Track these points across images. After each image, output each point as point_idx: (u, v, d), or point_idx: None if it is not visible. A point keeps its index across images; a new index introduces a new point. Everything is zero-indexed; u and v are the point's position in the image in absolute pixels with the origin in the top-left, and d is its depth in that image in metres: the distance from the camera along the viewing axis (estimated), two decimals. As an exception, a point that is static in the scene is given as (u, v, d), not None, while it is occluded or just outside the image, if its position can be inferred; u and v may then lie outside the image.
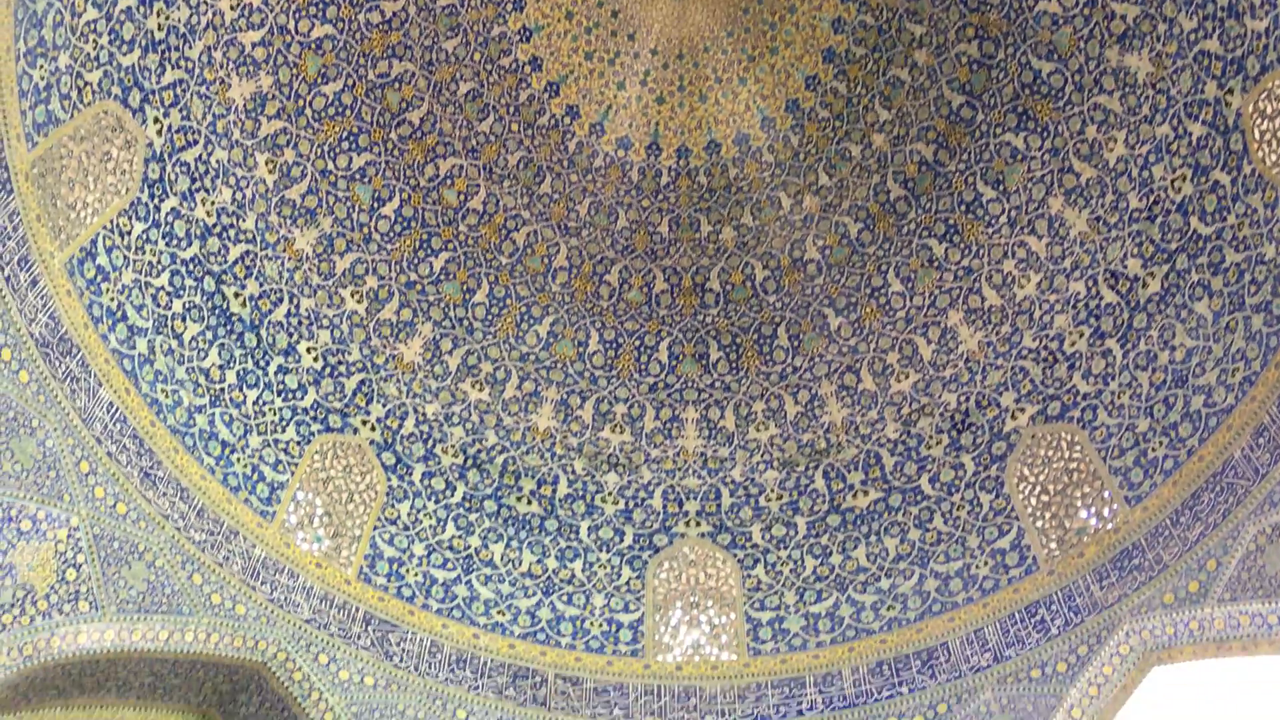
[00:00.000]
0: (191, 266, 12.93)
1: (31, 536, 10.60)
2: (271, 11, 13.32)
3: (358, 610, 13.19)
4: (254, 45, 13.26)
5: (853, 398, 15.06)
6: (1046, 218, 13.78)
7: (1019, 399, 13.82)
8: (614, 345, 15.81)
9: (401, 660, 13.08)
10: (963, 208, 14.57)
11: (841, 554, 14.39)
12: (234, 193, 13.37)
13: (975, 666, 12.61)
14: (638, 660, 14.08)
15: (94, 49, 11.29)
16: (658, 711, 13.49)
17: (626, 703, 13.58)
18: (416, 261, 15.07)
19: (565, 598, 14.54)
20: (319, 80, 14.01)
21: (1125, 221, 12.94)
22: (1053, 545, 12.86)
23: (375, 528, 14.02)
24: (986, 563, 13.30)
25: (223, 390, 13.08)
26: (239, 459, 13.01)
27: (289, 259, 13.98)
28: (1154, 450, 12.09)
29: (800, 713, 13.20)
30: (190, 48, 12.57)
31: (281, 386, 13.74)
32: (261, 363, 13.58)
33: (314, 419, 14.02)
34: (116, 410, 11.53)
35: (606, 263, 16.00)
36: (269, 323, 13.72)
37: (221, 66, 13.00)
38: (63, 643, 10.73)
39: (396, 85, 14.68)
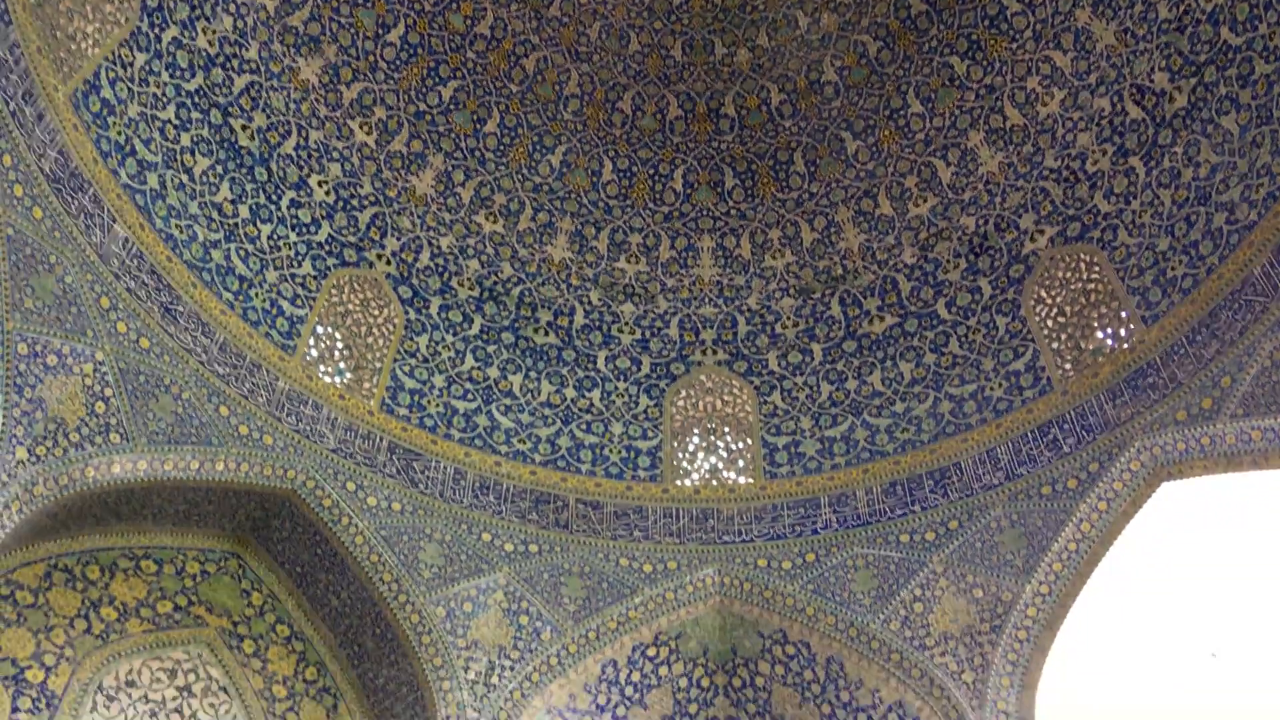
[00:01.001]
0: (197, 99, 12.72)
1: (58, 371, 10.78)
2: None
3: (382, 440, 13.47)
4: None
5: (870, 223, 14.92)
6: (1073, 30, 13.32)
7: (1039, 220, 13.66)
8: (628, 174, 15.62)
9: (426, 487, 13.43)
10: (986, 22, 14.08)
11: (857, 379, 14.51)
12: (235, 20, 13.03)
13: (987, 485, 12.87)
14: (656, 485, 14.42)
15: None
16: (676, 533, 13.89)
17: (646, 525, 13.96)
18: (425, 91, 14.77)
19: (584, 426, 14.79)
20: (316, -100, 13.47)
21: (1154, 33, 12.50)
22: (1067, 366, 12.93)
23: (395, 360, 14.19)
24: (1001, 385, 13.40)
25: (236, 225, 13.05)
26: (257, 294, 13.08)
27: (295, 89, 13.73)
28: (1173, 269, 12.00)
29: (815, 531, 13.56)
30: None
31: (295, 221, 13.70)
32: (273, 197, 13.51)
33: (329, 253, 14.02)
34: (132, 246, 11.55)
35: (619, 89, 15.64)
36: (278, 156, 13.58)
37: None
38: (97, 473, 11.04)
39: (396, -96, 14.11)
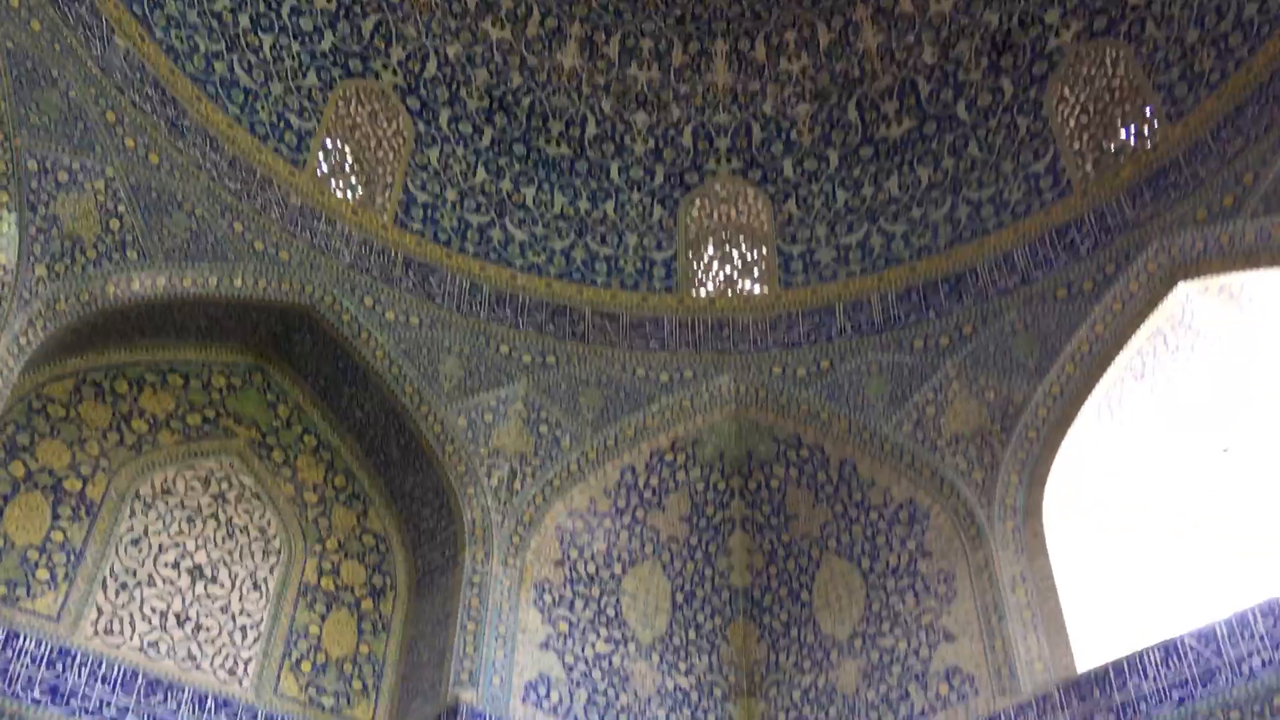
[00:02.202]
0: (188, -99, 12.24)
1: (70, 188, 10.76)
2: None
3: (397, 255, 13.50)
4: None
5: (889, 22, 14.42)
6: None
7: (1064, 14, 13.18)
8: (638, -25, 15.06)
9: (443, 301, 13.53)
10: None
11: (873, 185, 14.34)
12: None
13: (1002, 289, 12.87)
14: (672, 296, 14.48)
15: None
16: (692, 343, 14.03)
17: (662, 335, 14.09)
18: (424, -112, 14.14)
19: (599, 238, 14.76)
20: None
21: None
22: (1088, 167, 12.71)
23: (406, 174, 14.07)
24: (1020, 187, 13.22)
25: (238, 35, 12.74)
26: (263, 107, 12.89)
27: (289, -111, 13.17)
28: (1201, 63, 11.64)
29: (829, 338, 13.67)
30: None
31: (297, 30, 13.35)
32: (274, 4, 13.13)
33: (334, 63, 13.72)
34: (134, 58, 11.32)
35: (627, -117, 14.93)
36: (276, -39, 13.14)
37: None
38: (117, 289, 11.15)
39: None
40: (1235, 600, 10.33)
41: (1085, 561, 12.04)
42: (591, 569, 13.47)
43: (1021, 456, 12.30)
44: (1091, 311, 12.03)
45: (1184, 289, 11.66)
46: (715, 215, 15.10)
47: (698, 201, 15.12)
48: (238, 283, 12.05)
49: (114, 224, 11.17)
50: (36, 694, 10.25)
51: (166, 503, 11.97)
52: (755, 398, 13.74)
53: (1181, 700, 10.01)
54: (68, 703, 10.38)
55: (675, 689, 13.41)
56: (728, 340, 13.98)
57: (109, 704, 10.61)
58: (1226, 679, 9.82)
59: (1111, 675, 10.59)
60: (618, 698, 12.82)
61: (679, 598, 14.06)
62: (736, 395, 13.78)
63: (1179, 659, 10.20)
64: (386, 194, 13.89)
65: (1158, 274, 11.66)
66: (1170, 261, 11.54)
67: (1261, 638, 9.74)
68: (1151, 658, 10.38)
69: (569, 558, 13.33)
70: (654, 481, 13.92)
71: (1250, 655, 9.76)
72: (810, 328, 13.82)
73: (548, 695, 12.26)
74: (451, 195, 14.21)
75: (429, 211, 14.01)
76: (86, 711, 10.43)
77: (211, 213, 11.96)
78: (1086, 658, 11.08)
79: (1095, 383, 11.95)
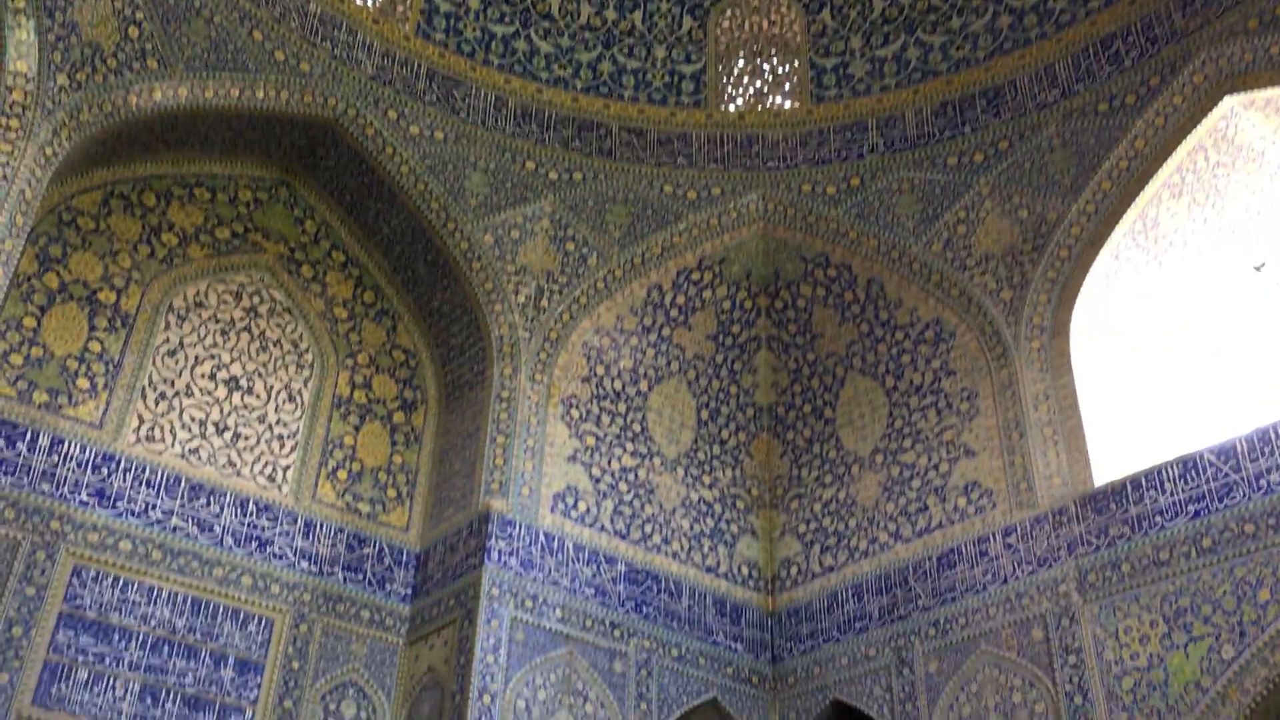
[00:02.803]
0: None
1: (85, -7, 10.51)
2: None
3: (420, 66, 13.22)
4: None
5: None
6: None
7: None
8: None
9: (468, 115, 13.31)
10: None
11: (912, -6, 13.77)
12: None
13: (1041, 103, 12.51)
14: (700, 111, 14.18)
15: None
16: (720, 160, 13.81)
17: (690, 152, 13.87)
18: None
19: (626, 50, 14.36)
20: None
21: None
22: (1138, -26, 12.13)
23: (428, -18, 13.63)
24: (1065, -5, 12.67)
25: None
26: (279, -92, 12.41)
27: None
28: None
29: (860, 155, 13.42)
30: None
31: None
32: None
33: None
34: None
35: None
36: None
37: None
38: (139, 99, 11.03)
39: None
40: (1260, 417, 10.39)
41: (1113, 381, 12.09)
42: (618, 385, 13.67)
43: (1052, 276, 12.21)
44: (1133, 126, 11.71)
45: (1229, 102, 11.30)
46: (746, 26, 14.61)
47: (728, 12, 14.62)
48: (260, 94, 11.88)
49: (133, 31, 10.95)
50: (84, 496, 10.66)
51: (200, 315, 12.14)
52: (783, 216, 13.61)
53: (1197, 514, 10.20)
54: (114, 505, 10.80)
55: (699, 501, 13.78)
56: (757, 157, 13.76)
57: (154, 507, 11.03)
58: (1244, 493, 9.98)
59: (1128, 489, 10.78)
60: (643, 509, 13.20)
61: (704, 414, 14.29)
62: (765, 213, 13.65)
63: (1197, 474, 10.35)
64: (408, 1, 13.49)
65: (1204, 86, 11.28)
66: (1217, 73, 11.15)
67: (1281, 453, 9.84)
68: (1169, 473, 10.54)
69: (595, 374, 13.52)
70: (680, 300, 13.95)
71: (1269, 471, 9.89)
72: (841, 144, 13.55)
73: (575, 505, 12.63)
74: (474, 3, 13.80)
75: (452, 21, 13.63)
76: (132, 514, 10.86)
77: (230, 20, 11.68)
78: (1105, 474, 11.26)
79: (1132, 200, 11.74)
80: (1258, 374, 11.56)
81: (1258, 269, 11.97)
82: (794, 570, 13.69)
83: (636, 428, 13.64)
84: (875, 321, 13.67)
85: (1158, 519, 10.46)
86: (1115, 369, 12.16)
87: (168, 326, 11.86)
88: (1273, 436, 9.96)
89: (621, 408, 13.62)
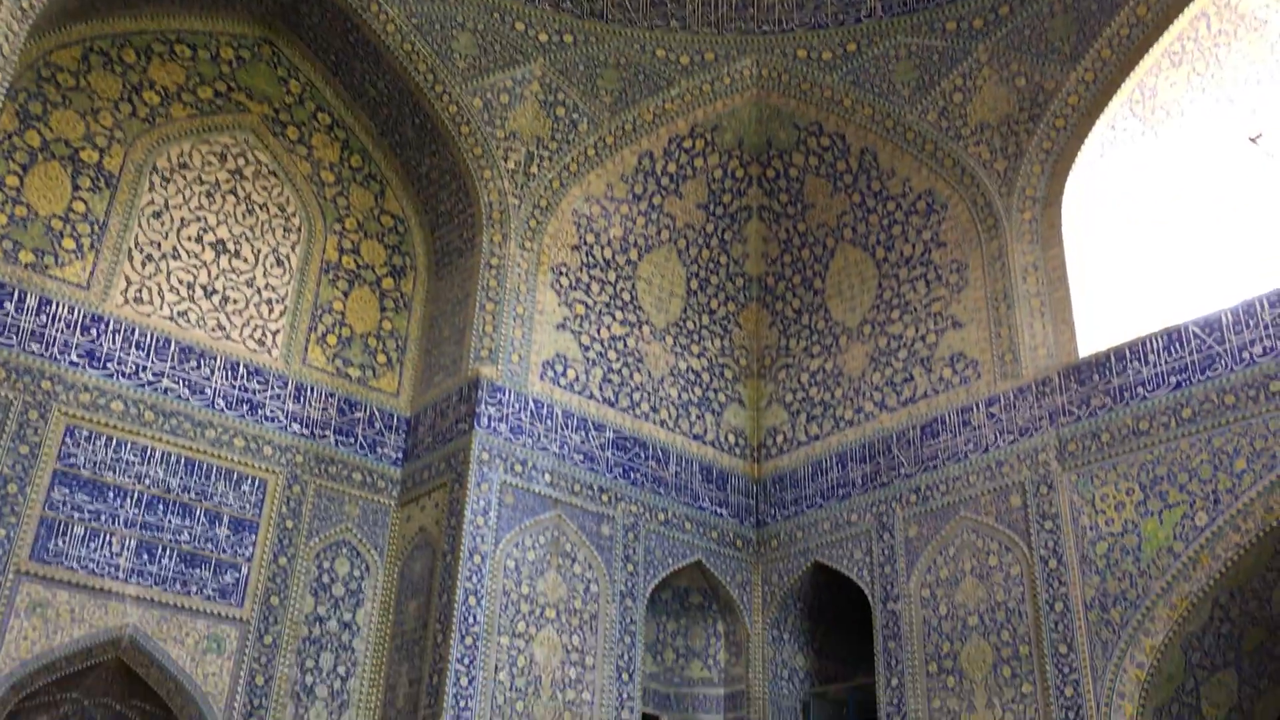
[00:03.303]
0: None
1: None
2: None
3: (406, -80, 12.77)
4: None
5: None
6: None
7: None
8: None
9: (456, -27, 12.91)
10: None
11: None
12: None
13: (1044, -33, 12.19)
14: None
15: None
16: (714, 24, 13.50)
17: (683, 14, 13.50)
18: None
19: (619, -94, 13.86)
20: None
21: None
22: None
23: None
24: None
25: None
26: None
27: None
28: None
29: (858, 20, 13.07)
30: None
31: None
32: None
33: None
34: None
35: None
36: None
37: None
38: (115, -50, 10.67)
39: None
40: (1247, 289, 10.43)
41: (1104, 253, 12.09)
42: (608, 254, 13.62)
43: (1046, 146, 12.09)
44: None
45: (1234, -31, 11.04)
46: (744, -117, 14.09)
47: None
48: (240, -53, 11.49)
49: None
50: (74, 357, 10.69)
51: (184, 177, 11.98)
52: (777, 82, 13.37)
53: (1179, 385, 10.33)
54: (104, 366, 10.84)
55: (687, 370, 13.89)
56: (751, 21, 13.43)
57: (144, 368, 11.07)
58: (1226, 365, 10.09)
59: (1112, 360, 10.89)
60: (632, 376, 13.31)
61: (693, 284, 14.29)
62: (758, 79, 13.41)
63: (1181, 346, 10.45)
64: None
65: None
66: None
67: (1266, 325, 9.92)
68: (1154, 344, 10.64)
69: (585, 242, 13.45)
70: (671, 168, 13.80)
71: (1252, 343, 9.98)
72: (838, 8, 13.22)
73: (564, 373, 12.72)
74: None
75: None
76: (123, 375, 10.91)
77: None
78: (1091, 345, 11.36)
79: (1131, 69, 11.54)
80: (1250, 246, 11.55)
81: (1253, 140, 11.86)
82: (780, 439, 13.89)
83: (626, 296, 13.65)
84: (867, 192, 13.58)
85: (1139, 390, 10.59)
86: (1107, 241, 12.15)
87: (152, 188, 11.72)
88: (1258, 309, 10.03)
89: (611, 276, 13.61)
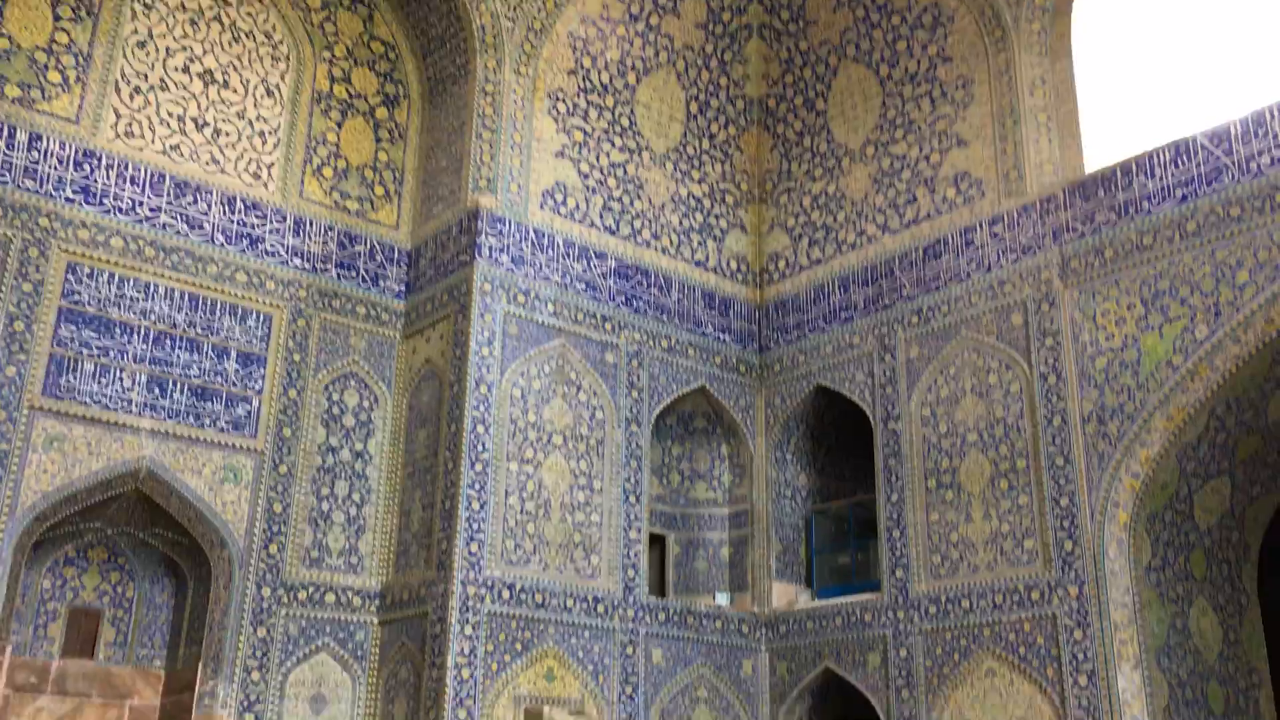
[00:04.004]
0: None
1: None
2: None
3: None
4: None
5: None
6: None
7: None
8: None
9: None
10: None
11: None
12: None
13: None
14: None
15: None
16: None
17: None
18: None
19: None
20: None
21: None
22: None
23: None
24: None
25: None
26: None
27: None
28: None
29: None
30: None
31: None
32: None
33: None
34: None
35: None
36: None
37: None
38: None
39: None
40: (1256, 100, 10.19)
41: (1113, 65, 11.77)
42: (605, 78, 13.30)
43: (1057, -45, 11.65)
44: None
45: None
46: None
47: None
48: None
49: None
50: (69, 194, 10.57)
51: (166, 4, 11.60)
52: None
53: (1184, 198, 10.24)
54: (100, 202, 10.73)
55: (688, 196, 13.75)
56: None
57: (140, 204, 10.97)
58: (1233, 176, 9.97)
59: (1118, 175, 10.76)
60: (632, 204, 13.18)
61: (693, 107, 14.00)
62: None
63: (1188, 158, 10.31)
64: None
65: None
66: None
67: (1275, 135, 9.76)
68: (1160, 157, 10.49)
69: (582, 66, 13.12)
70: (669, -14, 13.34)
71: (1260, 153, 9.84)
72: None
73: (564, 201, 12.60)
74: None
75: None
76: (120, 211, 10.81)
77: None
78: (1098, 160, 11.20)
79: None
80: (1260, 55, 11.23)
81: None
82: (781, 263, 13.87)
83: (625, 122, 13.40)
84: (871, 6, 13.14)
85: (1145, 204, 10.50)
86: (1116, 52, 11.82)
87: (134, 16, 11.35)
88: (1267, 119, 9.85)
89: (609, 101, 13.32)
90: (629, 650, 11.82)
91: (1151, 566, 10.31)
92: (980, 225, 11.79)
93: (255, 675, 10.70)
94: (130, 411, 10.49)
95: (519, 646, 11.06)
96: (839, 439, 13.72)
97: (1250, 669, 10.90)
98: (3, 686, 9.80)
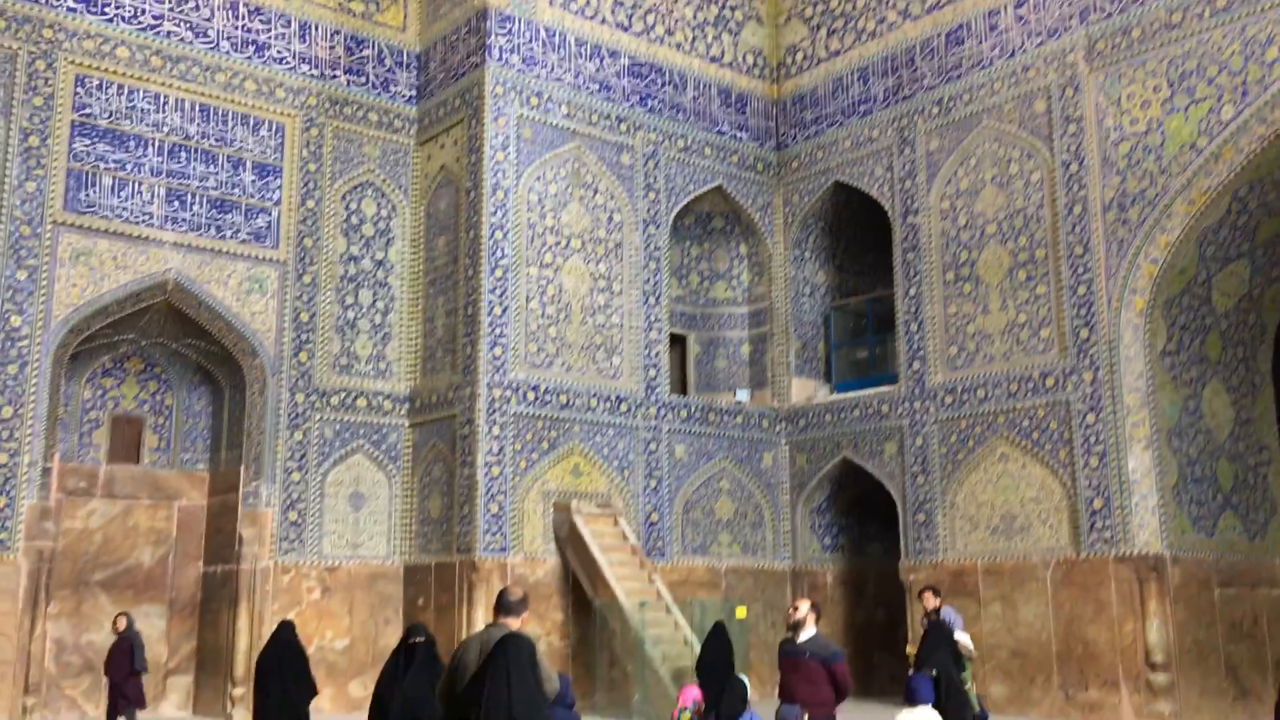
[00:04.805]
0: None
1: None
2: None
3: None
4: None
5: None
6: None
7: None
8: None
9: None
10: None
11: None
12: None
13: None
14: None
15: None
16: None
17: None
18: None
19: None
20: None
21: None
22: None
23: None
24: None
25: None
26: None
27: None
28: None
29: None
30: None
31: None
32: None
33: None
34: None
35: None
36: None
37: None
38: None
39: None
40: None
41: None
42: None
43: None
44: None
45: None
46: None
47: None
48: None
49: None
50: (71, 3, 10.36)
51: None
52: None
53: (1217, -28, 9.84)
54: (103, 11, 10.54)
55: (702, -11, 13.31)
56: None
57: (143, 11, 10.76)
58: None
59: (1149, -51, 10.32)
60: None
61: (705, -107, 13.37)
62: None
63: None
64: None
65: None
66: None
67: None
68: (1195, -71, 10.03)
69: None
70: None
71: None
72: None
73: (574, -2, 12.25)
74: None
75: None
76: (123, 19, 10.65)
77: None
78: (1127, -66, 10.73)
79: None
80: None
81: None
82: (799, 56, 13.53)
83: (634, -89, 12.85)
84: None
85: (1175, -21, 10.11)
86: None
87: None
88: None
89: (617, -112, 12.74)
90: (652, 446, 12.18)
91: (1166, 351, 10.43)
92: (1004, 9, 11.42)
93: (295, 476, 11.15)
94: (152, 225, 10.58)
95: (545, 445, 11.42)
96: (857, 235, 13.70)
97: (1260, 447, 11.15)
98: (55, 491, 10.25)
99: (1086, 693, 10.08)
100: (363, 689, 10.71)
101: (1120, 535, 10.01)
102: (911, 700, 4.57)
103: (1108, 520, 10.10)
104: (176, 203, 10.75)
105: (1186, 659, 9.85)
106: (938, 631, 7.46)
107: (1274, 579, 10.85)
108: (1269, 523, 11.04)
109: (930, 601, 8.21)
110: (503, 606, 4.11)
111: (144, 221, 10.53)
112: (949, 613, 8.20)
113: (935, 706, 4.68)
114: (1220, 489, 10.67)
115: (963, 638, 7.91)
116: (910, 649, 8.44)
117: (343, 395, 11.52)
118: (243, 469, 11.04)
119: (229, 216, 11.04)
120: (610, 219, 12.27)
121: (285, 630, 8.62)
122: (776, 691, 5.59)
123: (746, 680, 4.89)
